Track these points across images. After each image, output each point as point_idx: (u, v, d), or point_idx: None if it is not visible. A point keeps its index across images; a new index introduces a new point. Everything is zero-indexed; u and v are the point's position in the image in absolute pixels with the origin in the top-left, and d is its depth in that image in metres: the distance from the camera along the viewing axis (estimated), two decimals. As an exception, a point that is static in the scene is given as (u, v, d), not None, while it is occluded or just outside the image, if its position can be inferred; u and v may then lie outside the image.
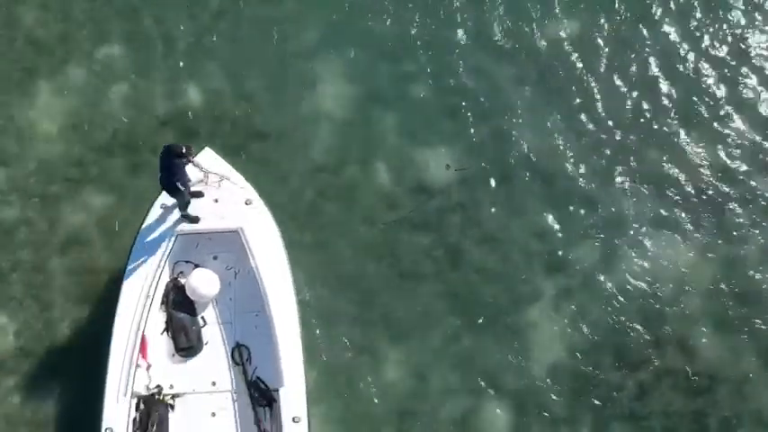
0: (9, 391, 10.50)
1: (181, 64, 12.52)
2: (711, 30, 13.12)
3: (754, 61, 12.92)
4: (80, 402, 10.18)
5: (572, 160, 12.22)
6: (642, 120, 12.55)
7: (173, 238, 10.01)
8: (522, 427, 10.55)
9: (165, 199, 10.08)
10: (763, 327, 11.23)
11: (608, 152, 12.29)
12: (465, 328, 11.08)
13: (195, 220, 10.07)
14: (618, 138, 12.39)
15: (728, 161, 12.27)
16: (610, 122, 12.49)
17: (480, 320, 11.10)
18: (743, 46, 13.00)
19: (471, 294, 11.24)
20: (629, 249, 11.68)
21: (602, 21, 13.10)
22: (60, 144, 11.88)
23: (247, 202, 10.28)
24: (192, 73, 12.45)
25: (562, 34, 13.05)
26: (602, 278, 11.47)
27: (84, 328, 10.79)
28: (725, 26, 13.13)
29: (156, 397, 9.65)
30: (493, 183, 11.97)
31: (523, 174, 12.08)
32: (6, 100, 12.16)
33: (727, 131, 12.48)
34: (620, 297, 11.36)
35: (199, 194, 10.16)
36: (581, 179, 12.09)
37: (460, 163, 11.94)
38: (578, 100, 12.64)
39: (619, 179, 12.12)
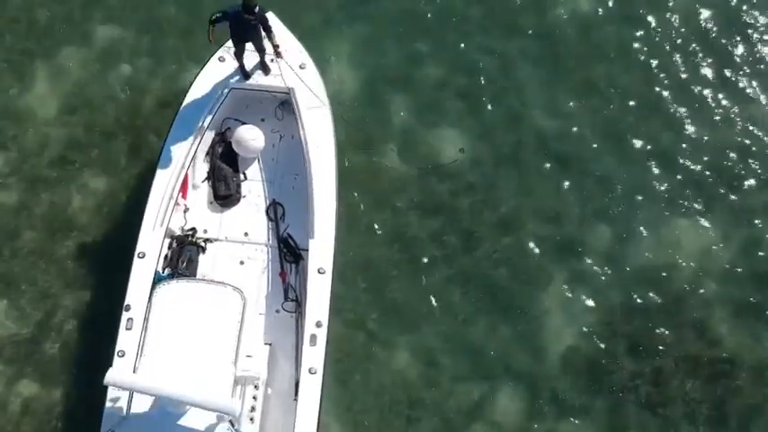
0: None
1: (181, 44, 12.19)
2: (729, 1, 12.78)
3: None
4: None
5: (585, 140, 11.91)
6: (657, 97, 12.25)
7: (225, 91, 10.28)
8: (535, 415, 10.27)
9: (223, 52, 10.40)
10: (782, 312, 10.96)
11: (622, 131, 11.99)
12: (477, 313, 10.78)
13: (248, 75, 10.36)
14: (632, 117, 12.08)
15: (746, 139, 11.98)
16: (624, 101, 12.18)
17: (493, 306, 10.80)
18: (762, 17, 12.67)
19: (484, 279, 10.94)
20: (644, 231, 11.37)
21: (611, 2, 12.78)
22: (60, 127, 11.57)
23: (302, 66, 10.45)
24: (192, 53, 12.03)
25: (574, 11, 12.74)
26: (617, 262, 11.17)
27: (86, 314, 10.51)
28: None
29: (190, 238, 9.94)
30: (505, 164, 11.66)
31: (536, 155, 11.78)
32: (4, 83, 11.83)
33: (744, 107, 12.18)
34: (635, 281, 11.06)
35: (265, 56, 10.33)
36: (594, 160, 11.78)
37: (468, 148, 11.62)
38: (592, 78, 12.34)
39: (633, 159, 11.81)
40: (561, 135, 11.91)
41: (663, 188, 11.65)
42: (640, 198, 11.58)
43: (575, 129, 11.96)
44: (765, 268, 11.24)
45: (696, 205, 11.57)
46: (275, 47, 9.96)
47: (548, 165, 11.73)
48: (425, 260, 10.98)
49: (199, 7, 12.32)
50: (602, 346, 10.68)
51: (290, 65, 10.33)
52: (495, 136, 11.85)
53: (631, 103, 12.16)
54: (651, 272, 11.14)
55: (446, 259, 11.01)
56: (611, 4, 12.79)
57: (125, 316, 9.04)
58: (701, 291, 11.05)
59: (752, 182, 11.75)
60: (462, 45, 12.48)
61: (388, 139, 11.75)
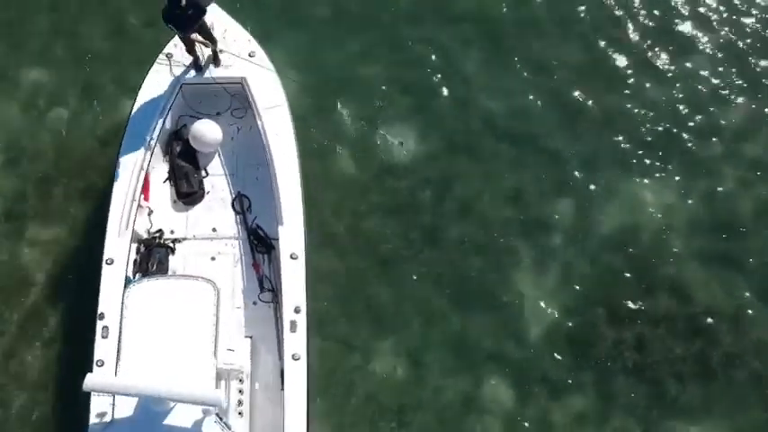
0: None
1: (111, 76, 11.87)
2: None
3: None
4: None
5: (535, 117, 11.86)
6: (598, 63, 12.26)
7: (176, 88, 10.14)
8: (527, 399, 10.25)
9: (170, 48, 10.26)
10: (749, 256, 11.06)
11: (569, 102, 11.96)
12: (452, 306, 10.69)
13: (200, 69, 10.19)
14: (577, 86, 12.06)
15: (689, 94, 12.04)
16: (566, 72, 12.16)
17: (468, 296, 10.73)
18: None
19: (454, 271, 10.85)
20: (604, 198, 11.39)
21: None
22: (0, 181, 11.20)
23: (251, 54, 10.34)
24: (124, 83, 11.71)
25: (505, -10, 12.68)
26: (582, 232, 11.16)
27: (60, 328, 10.31)
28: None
29: (157, 240, 9.82)
30: (459, 153, 11.56)
31: (488, 139, 11.70)
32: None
33: (684, 64, 12.24)
34: (603, 249, 11.08)
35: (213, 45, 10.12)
36: (546, 135, 11.74)
37: (420, 140, 11.49)
38: (532, 53, 12.29)
39: (584, 128, 11.78)
40: (510, 115, 11.86)
41: (616, 152, 11.67)
42: (596, 165, 11.58)
43: (523, 106, 11.91)
44: (726, 216, 11.33)
45: (651, 164, 11.60)
46: (213, 41, 9.94)
47: (501, 146, 11.67)
48: (393, 261, 10.85)
49: (122, 37, 12.05)
50: (581, 319, 10.69)
51: (240, 54, 10.26)
52: (445, 125, 11.76)
53: (574, 72, 12.13)
54: (617, 237, 11.16)
55: (414, 257, 10.90)
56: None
57: (100, 324, 8.88)
58: (669, 248, 11.11)
59: (702, 132, 11.83)
60: (398, 39, 12.33)
61: (339, 144, 11.56)
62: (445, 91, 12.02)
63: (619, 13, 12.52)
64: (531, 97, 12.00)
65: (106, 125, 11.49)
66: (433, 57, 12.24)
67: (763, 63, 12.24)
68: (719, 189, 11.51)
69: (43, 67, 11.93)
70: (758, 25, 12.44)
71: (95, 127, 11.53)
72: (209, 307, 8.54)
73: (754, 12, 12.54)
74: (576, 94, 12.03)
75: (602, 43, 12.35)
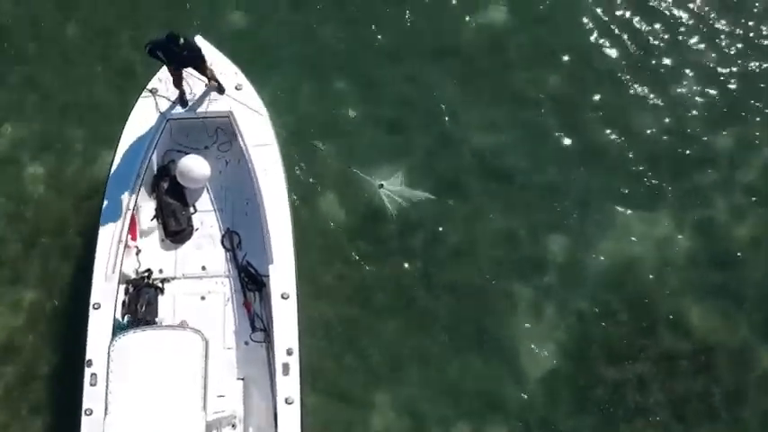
0: None
1: (85, 129, 11.62)
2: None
3: (692, 19, 12.51)
4: None
5: (522, 152, 11.66)
6: (584, 94, 12.06)
7: (163, 124, 9.93)
8: (528, 446, 10.04)
9: (154, 83, 10.06)
10: (747, 288, 10.86)
11: (557, 136, 11.76)
12: (448, 353, 10.45)
13: (186, 103, 10.00)
14: (564, 119, 11.86)
15: (679, 123, 11.85)
16: (552, 105, 11.95)
17: (463, 341, 10.49)
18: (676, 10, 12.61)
19: (448, 316, 10.61)
20: (598, 234, 11.18)
21: (525, 6, 12.58)
22: (-21, 245, 10.91)
23: (237, 87, 10.14)
24: (98, 135, 11.47)
25: (484, 23, 12.46)
26: (577, 270, 10.96)
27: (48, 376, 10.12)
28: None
29: (146, 280, 9.60)
30: (447, 192, 11.31)
31: (476, 177, 11.48)
32: None
33: (671, 92, 12.04)
34: (599, 286, 10.87)
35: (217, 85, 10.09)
36: (535, 170, 11.54)
37: (408, 181, 11.27)
38: (516, 87, 12.09)
39: (573, 162, 11.58)
40: (498, 151, 11.65)
41: (608, 185, 11.46)
42: (588, 199, 11.37)
43: (510, 142, 11.70)
44: (722, 246, 11.15)
45: (644, 195, 11.40)
46: (208, 78, 9.88)
47: (490, 184, 11.45)
48: (386, 309, 10.61)
49: (93, 88, 11.85)
50: (580, 360, 10.47)
51: (226, 87, 10.12)
52: (432, 165, 11.53)
53: (561, 105, 11.93)
54: (613, 273, 10.96)
55: (407, 304, 10.66)
56: (518, 9, 12.54)
57: (88, 372, 8.69)
58: (666, 282, 10.90)
59: (692, 162, 11.63)
60: (380, 77, 12.11)
61: (324, 187, 11.33)
62: (430, 128, 11.79)
63: (604, 43, 12.32)
64: (518, 132, 11.78)
65: (83, 179, 11.26)
66: (416, 94, 12.00)
67: (749, 88, 12.05)
68: (714, 218, 11.31)
69: (15, 124, 11.66)
70: (744, 52, 12.24)
71: (72, 181, 11.27)
72: (198, 359, 8.38)
73: (738, 39, 12.33)
74: (565, 127, 11.81)
75: (590, 74, 12.14)
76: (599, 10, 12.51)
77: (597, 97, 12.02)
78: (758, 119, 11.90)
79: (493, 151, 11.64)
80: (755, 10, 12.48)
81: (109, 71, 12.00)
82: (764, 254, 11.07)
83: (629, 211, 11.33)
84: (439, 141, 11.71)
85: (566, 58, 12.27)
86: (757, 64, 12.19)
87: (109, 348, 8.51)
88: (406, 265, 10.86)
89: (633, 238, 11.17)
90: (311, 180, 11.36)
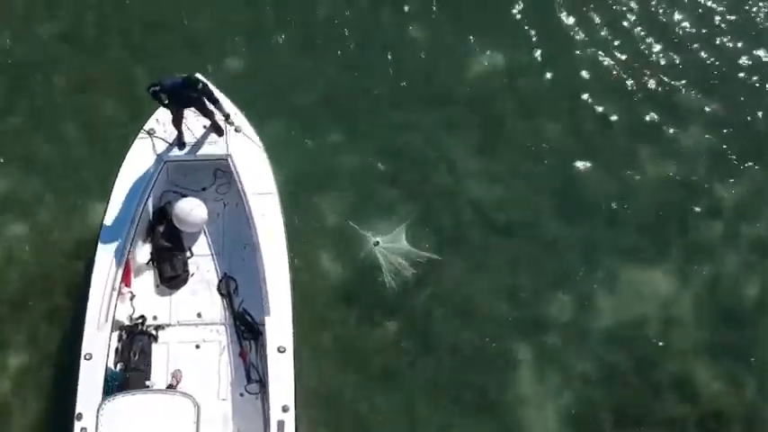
0: None
1: (71, 183, 11.28)
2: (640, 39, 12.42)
3: (695, 68, 12.29)
4: None
5: (525, 205, 11.39)
6: (587, 145, 11.80)
7: (160, 166, 9.71)
8: None
9: (152, 124, 9.86)
10: (756, 348, 10.57)
11: (560, 188, 11.51)
12: (452, 417, 10.10)
13: (183, 145, 9.83)
14: (567, 171, 11.62)
15: (684, 174, 11.64)
16: (555, 155, 11.70)
17: (467, 405, 10.15)
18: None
19: (451, 379, 10.28)
20: (603, 291, 10.88)
21: (524, 53, 12.33)
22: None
23: (237, 130, 9.92)
24: (86, 189, 11.18)
25: (486, 71, 12.24)
26: (581, 330, 10.66)
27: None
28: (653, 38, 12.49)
29: (140, 327, 9.36)
30: (449, 248, 10.96)
31: (478, 231, 11.20)
32: None
33: (676, 142, 11.84)
34: (604, 346, 10.57)
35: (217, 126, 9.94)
36: (538, 224, 11.26)
37: (408, 237, 10.90)
38: (518, 136, 11.84)
39: (577, 216, 11.32)
40: (501, 203, 11.36)
41: (614, 239, 11.19)
42: (593, 254, 11.09)
43: (514, 194, 11.44)
44: (731, 304, 10.87)
45: (650, 252, 11.13)
46: (226, 116, 9.73)
47: (493, 238, 11.15)
48: (386, 373, 10.26)
49: (76, 146, 11.56)
50: (585, 424, 10.14)
51: (225, 129, 9.94)
52: (430, 219, 11.21)
53: (561, 155, 11.68)
54: (619, 332, 10.65)
55: (408, 367, 10.32)
56: (517, 56, 12.30)
57: (78, 425, 8.34)
58: (673, 342, 10.61)
59: (698, 215, 11.39)
60: (381, 125, 11.86)
61: (321, 245, 11.00)
62: (430, 180, 11.51)
63: (606, 90, 12.08)
64: (521, 183, 11.51)
65: (71, 236, 10.90)
66: (415, 144, 11.73)
67: (754, 137, 11.84)
68: (722, 274, 11.04)
69: (2, 177, 11.31)
70: (749, 100, 12.02)
71: (60, 239, 10.92)
72: (189, 425, 8.15)
73: (743, 89, 12.14)
74: (567, 178, 11.56)
75: (591, 124, 11.91)
76: (600, 57, 12.28)
77: (599, 147, 11.75)
78: (765, 168, 11.64)
79: (493, 204, 11.35)
80: (759, 60, 12.25)
81: (93, 126, 11.69)
82: (773, 311, 10.80)
83: (633, 267, 11.04)
84: (437, 194, 11.44)
85: (566, 105, 12.03)
86: (763, 112, 11.95)
87: (98, 411, 8.23)
88: (406, 326, 10.52)
89: (638, 296, 10.88)
90: (306, 234, 11.01)
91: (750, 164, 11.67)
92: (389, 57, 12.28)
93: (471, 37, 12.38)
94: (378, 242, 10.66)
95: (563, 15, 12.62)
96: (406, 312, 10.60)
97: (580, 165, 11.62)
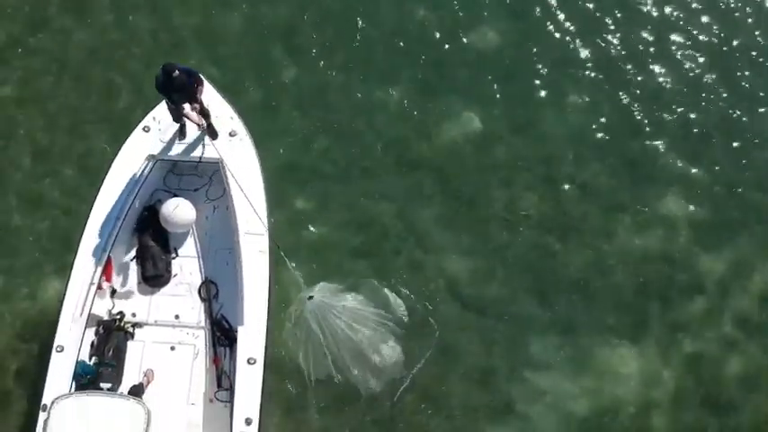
0: None
1: (34, 258, 10.95)
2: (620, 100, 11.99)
3: (676, 127, 11.88)
4: None
5: (498, 280, 10.96)
6: (564, 215, 11.37)
7: (151, 163, 9.69)
8: None
9: (148, 121, 9.85)
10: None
11: (534, 263, 11.08)
12: None
13: (183, 137, 9.76)
14: (544, 243, 11.17)
15: (665, 246, 11.19)
16: (532, 227, 11.27)
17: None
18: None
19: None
20: (578, 373, 10.41)
21: (498, 119, 11.95)
22: None
23: (232, 134, 9.88)
24: (50, 263, 10.83)
25: (459, 135, 11.81)
26: (556, 416, 10.16)
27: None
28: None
29: (117, 323, 9.34)
30: (417, 328, 10.41)
31: (449, 309, 10.73)
32: None
33: (657, 213, 11.39)
34: (580, 432, 10.11)
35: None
36: (512, 301, 10.81)
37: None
38: (493, 205, 11.44)
39: (551, 292, 10.86)
40: (473, 279, 10.93)
41: (590, 316, 10.73)
42: (568, 332, 10.64)
43: (486, 269, 11.00)
44: (712, 386, 10.39)
45: (627, 329, 10.67)
46: (206, 116, 9.60)
47: (466, 315, 10.71)
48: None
49: (39, 209, 11.24)
50: None
51: (220, 132, 9.85)
52: (401, 295, 10.66)
53: (537, 227, 11.25)
54: (595, 418, 10.18)
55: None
56: (492, 120, 11.91)
57: (42, 417, 8.18)
58: (651, 427, 10.14)
59: (680, 289, 10.93)
60: (346, 195, 11.43)
61: (287, 321, 10.48)
62: (401, 254, 11.08)
63: (586, 159, 11.67)
64: (495, 257, 11.08)
65: (28, 317, 10.50)
66: (388, 214, 11.33)
67: (739, 206, 11.41)
68: (704, 353, 10.57)
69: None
70: (734, 165, 11.60)
71: (20, 312, 10.60)
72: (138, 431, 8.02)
73: (725, 153, 11.74)
74: (543, 250, 11.13)
75: (569, 192, 11.48)
76: (577, 123, 11.85)
77: (577, 218, 11.33)
78: (749, 239, 11.21)
79: (468, 279, 10.93)
80: (743, 123, 11.87)
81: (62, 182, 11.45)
82: (758, 394, 10.31)
83: (613, 345, 10.59)
84: (410, 268, 10.99)
85: (542, 173, 11.60)
86: (747, 179, 11.52)
87: (50, 407, 8.11)
88: (372, 417, 10.04)
89: (617, 376, 10.42)
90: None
91: (734, 234, 11.23)
92: (358, 122, 11.89)
93: (444, 104, 11.99)
94: (311, 297, 9.88)
95: (537, 81, 12.21)
96: (374, 400, 10.04)
97: (556, 237, 11.20)
